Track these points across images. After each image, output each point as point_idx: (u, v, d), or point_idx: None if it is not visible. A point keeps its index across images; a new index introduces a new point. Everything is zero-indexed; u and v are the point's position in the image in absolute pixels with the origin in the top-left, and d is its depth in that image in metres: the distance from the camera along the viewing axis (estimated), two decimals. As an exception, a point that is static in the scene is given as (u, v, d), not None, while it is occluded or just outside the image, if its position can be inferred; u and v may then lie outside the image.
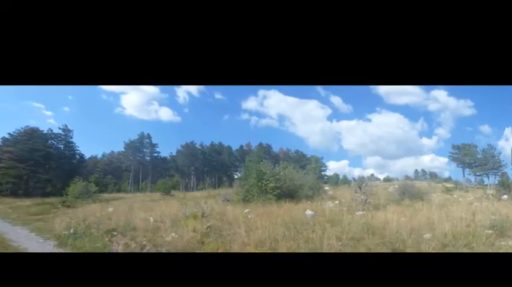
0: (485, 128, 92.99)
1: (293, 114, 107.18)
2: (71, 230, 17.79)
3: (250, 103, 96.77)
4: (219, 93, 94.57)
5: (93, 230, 17.44)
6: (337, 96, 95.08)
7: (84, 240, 15.68)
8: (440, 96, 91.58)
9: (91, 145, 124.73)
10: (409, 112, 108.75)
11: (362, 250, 13.13)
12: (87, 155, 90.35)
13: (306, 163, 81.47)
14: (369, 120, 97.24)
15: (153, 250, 13.69)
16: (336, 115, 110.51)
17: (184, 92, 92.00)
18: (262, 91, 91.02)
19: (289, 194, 30.44)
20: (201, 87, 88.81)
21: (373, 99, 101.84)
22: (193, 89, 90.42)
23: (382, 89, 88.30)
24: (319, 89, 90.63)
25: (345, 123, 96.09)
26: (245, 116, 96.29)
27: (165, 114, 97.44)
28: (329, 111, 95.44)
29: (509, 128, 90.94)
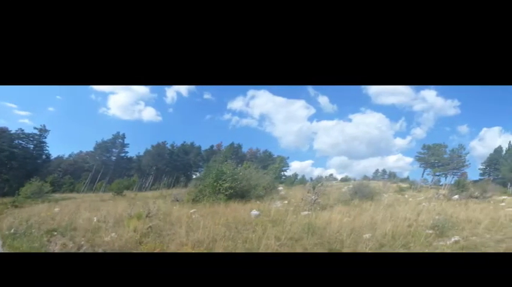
0: (463, 128, 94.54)
1: (276, 114, 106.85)
2: (12, 230, 17.53)
3: (237, 103, 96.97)
4: (208, 93, 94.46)
5: (33, 230, 17.17)
6: (325, 96, 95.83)
7: (23, 240, 15.43)
8: (429, 96, 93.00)
9: (66, 145, 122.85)
10: (393, 112, 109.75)
11: (299, 249, 13.26)
12: (55, 155, 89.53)
13: (271, 162, 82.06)
14: (350, 120, 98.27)
15: (90, 250, 13.56)
16: (319, 115, 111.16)
17: (173, 92, 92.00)
18: (252, 91, 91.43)
19: (241, 194, 30.31)
20: (192, 87, 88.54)
21: (361, 99, 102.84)
22: (183, 89, 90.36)
23: (373, 89, 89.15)
24: (310, 88, 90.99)
25: (323, 124, 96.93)
26: (227, 116, 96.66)
27: (148, 114, 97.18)
28: (313, 111, 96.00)
29: (486, 128, 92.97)
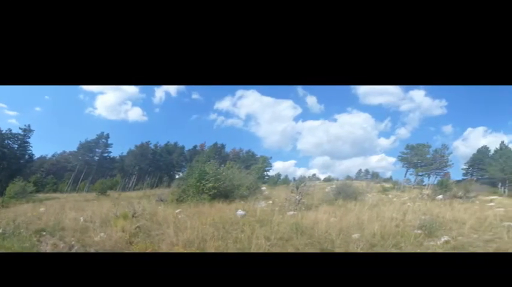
0: (448, 128, 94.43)
1: (262, 114, 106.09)
2: (0, 230, 17.41)
3: (224, 103, 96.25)
4: (196, 93, 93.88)
5: (22, 230, 17.02)
6: (313, 96, 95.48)
7: (13, 240, 15.30)
8: (417, 96, 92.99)
9: (51, 145, 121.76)
10: (379, 112, 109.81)
11: (290, 249, 13.30)
12: (38, 155, 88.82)
13: (254, 162, 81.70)
14: (335, 120, 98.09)
15: (81, 250, 13.54)
16: (305, 115, 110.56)
17: (162, 92, 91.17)
18: (241, 91, 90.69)
19: (225, 194, 30.39)
20: (181, 87, 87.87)
21: (349, 98, 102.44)
22: (172, 89, 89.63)
23: (362, 89, 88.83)
24: (299, 88, 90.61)
25: (309, 124, 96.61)
26: (213, 116, 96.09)
27: (134, 114, 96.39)
28: (299, 111, 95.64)
29: (471, 128, 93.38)
